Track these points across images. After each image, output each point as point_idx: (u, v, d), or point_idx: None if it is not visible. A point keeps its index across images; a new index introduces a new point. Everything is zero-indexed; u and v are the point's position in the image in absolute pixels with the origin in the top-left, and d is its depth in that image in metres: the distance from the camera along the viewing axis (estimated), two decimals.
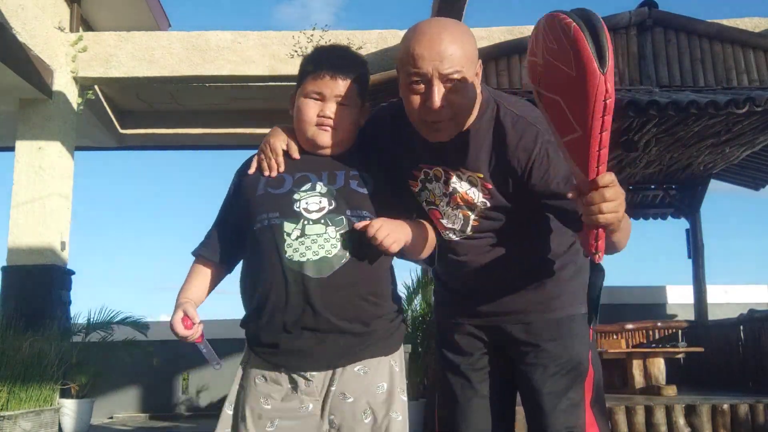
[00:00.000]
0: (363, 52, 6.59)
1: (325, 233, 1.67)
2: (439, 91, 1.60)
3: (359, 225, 1.64)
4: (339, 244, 1.66)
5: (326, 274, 1.64)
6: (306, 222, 1.67)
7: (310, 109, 1.75)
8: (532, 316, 1.86)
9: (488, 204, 1.76)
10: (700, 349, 7.07)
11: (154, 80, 7.86)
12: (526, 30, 6.74)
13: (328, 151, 1.77)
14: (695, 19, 5.90)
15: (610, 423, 2.04)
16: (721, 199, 22.41)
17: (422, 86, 1.62)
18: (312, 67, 1.77)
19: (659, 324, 8.07)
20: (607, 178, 1.39)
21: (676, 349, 7.00)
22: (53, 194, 7.18)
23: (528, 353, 1.85)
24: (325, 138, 1.75)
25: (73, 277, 7.47)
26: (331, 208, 1.69)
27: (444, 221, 1.82)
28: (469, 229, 1.81)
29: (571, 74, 1.34)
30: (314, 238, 1.66)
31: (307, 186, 1.73)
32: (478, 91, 1.71)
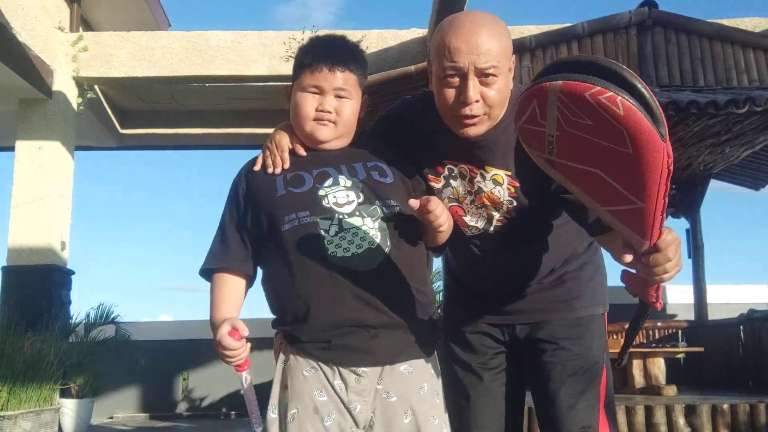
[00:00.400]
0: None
1: (364, 225, 1.61)
2: (474, 86, 1.57)
3: (414, 202, 1.55)
4: (380, 234, 1.61)
5: (374, 266, 1.58)
6: (341, 216, 1.62)
7: (308, 103, 1.70)
8: (551, 315, 1.84)
9: (514, 203, 1.72)
10: (700, 349, 7.07)
11: (154, 80, 7.86)
12: (526, 30, 6.74)
13: (329, 146, 1.73)
14: (695, 19, 5.90)
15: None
16: (721, 199, 22.47)
17: (457, 80, 1.58)
18: (309, 60, 1.70)
19: (659, 324, 8.07)
20: (670, 237, 1.30)
21: (676, 349, 7.00)
22: (53, 194, 7.18)
23: (546, 351, 1.83)
24: (324, 133, 1.71)
25: (72, 277, 7.47)
26: (360, 200, 1.64)
27: (467, 218, 1.78)
28: (492, 228, 1.78)
29: (624, 151, 1.18)
30: (354, 231, 1.60)
31: (329, 181, 1.68)
32: (511, 85, 1.67)
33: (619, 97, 1.12)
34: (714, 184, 8.30)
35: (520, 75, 5.84)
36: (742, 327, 7.16)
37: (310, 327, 1.60)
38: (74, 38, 7.53)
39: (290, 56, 7.32)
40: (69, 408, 6.49)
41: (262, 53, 7.63)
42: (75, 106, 7.62)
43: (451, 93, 1.60)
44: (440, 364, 1.77)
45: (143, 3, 8.42)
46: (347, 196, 1.65)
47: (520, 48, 5.78)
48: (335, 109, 1.69)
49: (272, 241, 1.66)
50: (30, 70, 6.84)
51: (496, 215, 1.75)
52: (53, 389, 6.12)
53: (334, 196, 1.65)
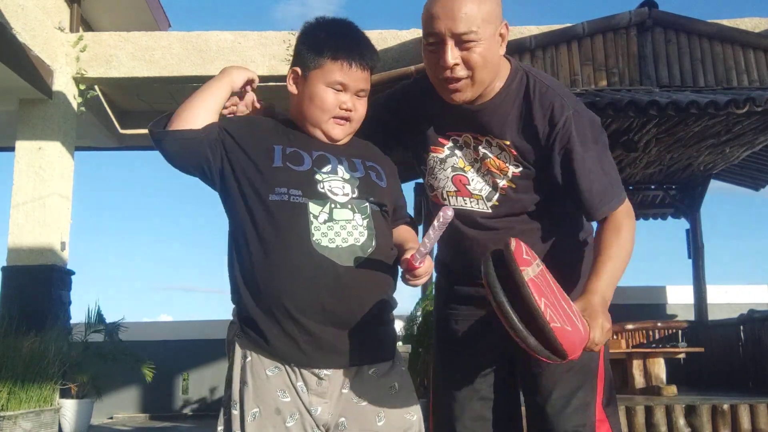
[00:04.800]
0: None
1: (353, 219, 1.57)
2: (451, 50, 1.60)
3: (411, 259, 1.52)
4: (366, 233, 1.57)
5: (355, 263, 1.54)
6: (333, 205, 1.57)
7: (332, 99, 1.65)
8: None
9: (520, 168, 1.74)
10: (700, 349, 7.08)
11: (154, 80, 7.86)
12: (526, 30, 6.74)
13: (338, 142, 1.70)
14: (695, 19, 5.90)
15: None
16: (721, 199, 22.48)
17: (438, 47, 1.62)
18: (337, 53, 1.64)
19: (659, 324, 8.07)
20: (597, 339, 1.51)
21: (676, 349, 7.00)
22: (53, 194, 7.18)
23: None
24: (339, 131, 1.67)
25: (72, 277, 7.47)
26: (354, 195, 1.61)
27: (470, 187, 1.78)
28: (495, 197, 1.77)
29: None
30: (343, 224, 1.56)
31: (328, 168, 1.63)
32: (501, 52, 1.69)
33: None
34: (714, 185, 8.32)
35: None
36: (742, 327, 7.16)
37: (278, 316, 1.52)
38: (74, 38, 7.53)
39: (289, 57, 7.28)
40: (69, 408, 6.48)
41: (262, 53, 7.63)
42: (75, 106, 7.61)
43: (434, 59, 1.65)
44: (433, 364, 1.76)
45: (143, 3, 8.42)
46: (343, 187, 1.62)
47: (520, 48, 5.77)
48: (355, 107, 1.67)
49: (251, 209, 1.57)
50: (30, 70, 6.84)
51: (500, 183, 1.76)
52: (53, 389, 6.12)
53: (330, 185, 1.61)
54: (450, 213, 1.44)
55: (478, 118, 1.73)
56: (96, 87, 8.00)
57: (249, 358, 1.54)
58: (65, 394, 6.47)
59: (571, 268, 1.82)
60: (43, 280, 6.90)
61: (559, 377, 1.78)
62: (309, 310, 1.51)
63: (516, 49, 5.88)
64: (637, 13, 5.78)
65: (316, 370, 1.53)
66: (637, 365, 6.54)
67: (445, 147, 1.80)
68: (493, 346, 1.83)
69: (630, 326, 7.72)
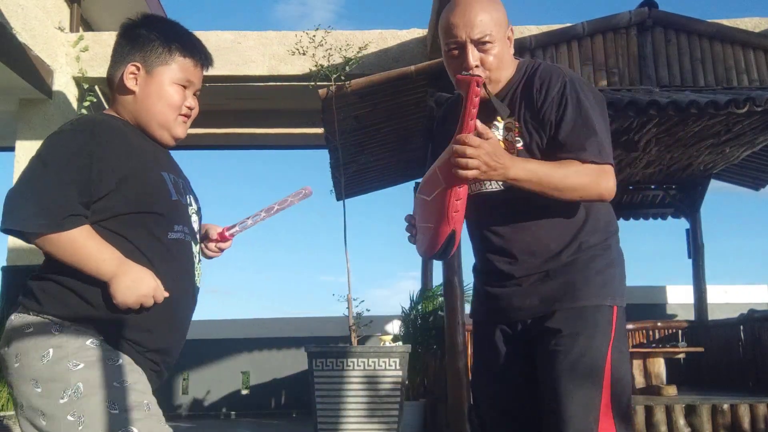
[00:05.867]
0: (363, 52, 6.57)
1: (200, 258, 1.67)
2: (473, 54, 1.82)
3: (225, 230, 1.72)
4: (200, 269, 1.68)
5: (195, 304, 1.67)
6: (197, 245, 1.66)
7: (179, 96, 1.63)
8: (555, 305, 1.83)
9: (520, 146, 1.85)
10: (701, 349, 7.08)
11: None
12: (526, 30, 6.74)
13: (174, 144, 1.67)
14: (695, 19, 5.90)
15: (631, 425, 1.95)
16: (721, 199, 22.43)
17: (459, 52, 1.84)
18: (187, 51, 1.65)
19: (659, 324, 8.07)
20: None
21: (676, 349, 7.00)
22: None
23: (545, 344, 1.83)
24: (183, 131, 1.66)
25: None
26: (197, 228, 1.68)
27: None
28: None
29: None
30: (199, 263, 1.66)
31: (187, 198, 1.65)
32: (510, 51, 1.93)
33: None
34: (714, 184, 8.31)
35: None
36: (742, 327, 7.16)
37: (154, 332, 1.54)
38: (74, 38, 7.53)
39: (297, 50, 6.99)
40: None
41: (262, 53, 7.62)
42: (75, 106, 7.61)
43: (457, 63, 1.85)
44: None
45: (143, 3, 8.40)
46: (196, 221, 1.68)
47: (520, 48, 5.76)
48: (194, 105, 1.69)
49: (144, 237, 1.52)
50: (30, 70, 6.84)
51: None
52: None
53: (194, 219, 1.66)
54: (302, 194, 1.73)
55: (488, 105, 1.83)
56: (96, 87, 8.00)
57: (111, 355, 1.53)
58: None
59: (588, 243, 1.86)
60: None
61: (565, 372, 1.78)
62: (166, 346, 1.63)
63: (516, 49, 5.85)
64: (637, 13, 5.77)
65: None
66: (637, 365, 6.54)
67: None
68: (517, 348, 1.91)
69: (630, 326, 7.72)
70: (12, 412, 5.34)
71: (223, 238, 1.65)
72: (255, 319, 9.43)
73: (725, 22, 6.64)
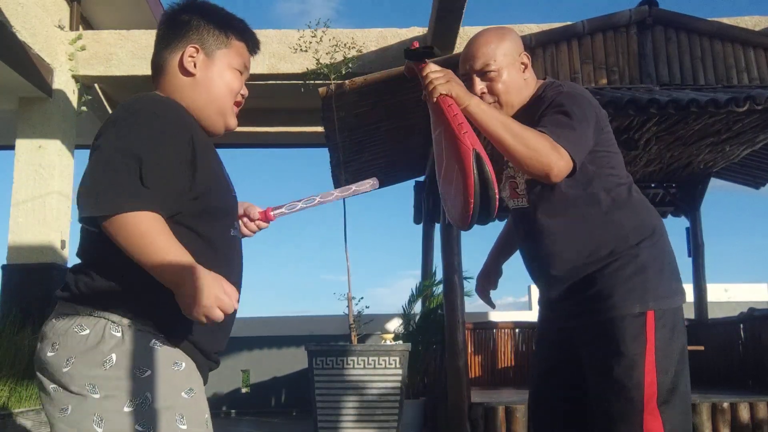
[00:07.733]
0: (363, 50, 6.57)
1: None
2: (476, 83, 1.97)
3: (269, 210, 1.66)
4: None
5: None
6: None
7: (238, 82, 1.58)
8: (581, 319, 1.89)
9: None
10: (701, 348, 7.07)
11: None
12: (526, 29, 6.74)
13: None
14: (696, 17, 5.89)
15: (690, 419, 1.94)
16: (721, 197, 22.45)
17: (469, 81, 1.98)
18: (245, 35, 1.58)
19: None
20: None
21: None
22: (53, 193, 7.18)
23: (584, 355, 1.90)
24: (235, 122, 1.62)
25: None
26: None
27: (518, 189, 2.02)
28: (526, 188, 1.97)
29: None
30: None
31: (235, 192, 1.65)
32: (524, 77, 1.99)
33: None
34: (714, 183, 8.31)
35: None
36: (742, 326, 7.15)
37: (215, 334, 1.51)
38: (74, 37, 7.53)
39: (299, 47, 7.12)
40: None
41: (262, 51, 7.56)
42: (75, 104, 7.61)
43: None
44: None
45: (143, 1, 8.40)
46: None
47: None
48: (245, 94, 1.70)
49: (211, 236, 1.41)
50: (30, 68, 6.84)
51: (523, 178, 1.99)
52: None
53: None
54: (369, 184, 1.76)
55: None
56: (96, 85, 8.00)
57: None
58: None
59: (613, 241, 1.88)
60: (43, 279, 6.89)
61: (595, 389, 1.86)
62: (216, 348, 1.69)
63: None
64: (637, 12, 5.76)
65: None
66: None
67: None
68: (564, 354, 1.98)
69: None
70: (11, 411, 5.34)
71: (267, 218, 1.54)
72: (255, 318, 9.42)
73: (725, 20, 6.64)
